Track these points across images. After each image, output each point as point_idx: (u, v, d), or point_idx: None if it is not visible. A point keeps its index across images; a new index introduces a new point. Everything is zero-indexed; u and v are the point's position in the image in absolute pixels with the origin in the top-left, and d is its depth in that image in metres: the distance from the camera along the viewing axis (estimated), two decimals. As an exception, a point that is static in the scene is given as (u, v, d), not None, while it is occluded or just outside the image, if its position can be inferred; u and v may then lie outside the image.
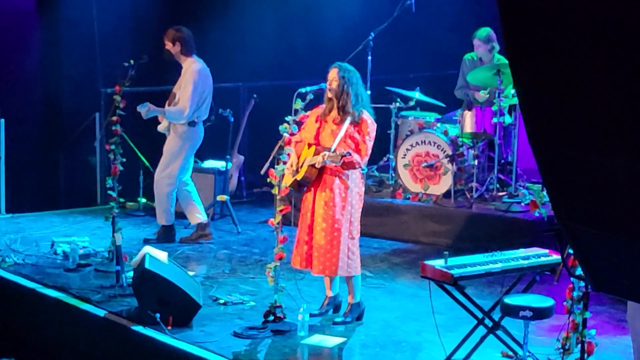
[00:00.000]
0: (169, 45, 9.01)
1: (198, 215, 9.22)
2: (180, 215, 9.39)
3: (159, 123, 9.08)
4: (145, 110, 8.80)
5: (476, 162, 9.55)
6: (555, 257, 6.19)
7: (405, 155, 9.76)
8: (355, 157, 6.77)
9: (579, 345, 5.43)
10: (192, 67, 8.95)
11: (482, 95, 9.77)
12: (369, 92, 9.36)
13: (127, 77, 8.32)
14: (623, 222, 2.88)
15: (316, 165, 6.80)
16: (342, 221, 6.84)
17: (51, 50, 11.24)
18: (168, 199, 9.10)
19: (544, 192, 8.64)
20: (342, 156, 6.60)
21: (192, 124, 8.94)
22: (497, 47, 9.89)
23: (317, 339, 6.67)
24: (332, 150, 6.73)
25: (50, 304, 7.45)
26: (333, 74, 6.91)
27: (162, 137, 9.20)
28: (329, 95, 6.93)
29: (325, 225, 6.84)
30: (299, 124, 7.01)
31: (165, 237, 9.16)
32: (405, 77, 11.52)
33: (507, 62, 8.81)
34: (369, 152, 6.90)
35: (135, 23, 11.10)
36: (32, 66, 11.14)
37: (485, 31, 9.86)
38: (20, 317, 7.80)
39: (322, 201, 6.86)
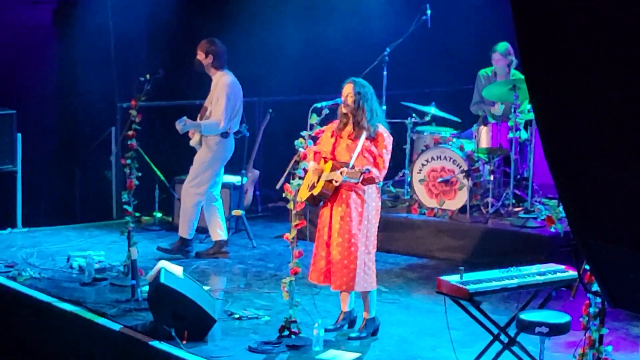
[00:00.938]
0: (201, 57, 9.00)
1: (219, 231, 9.21)
2: (198, 230, 9.38)
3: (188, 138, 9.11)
4: (182, 124, 8.84)
5: (492, 178, 9.52)
6: (572, 273, 6.16)
7: (420, 170, 9.74)
8: (375, 172, 6.76)
9: (596, 362, 5.40)
10: (223, 80, 8.97)
11: (497, 108, 9.75)
12: (384, 107, 9.38)
13: (143, 92, 8.32)
14: (640, 237, 2.87)
15: (334, 182, 6.78)
16: (359, 236, 6.83)
17: (67, 65, 11.28)
18: (193, 210, 9.09)
19: (560, 208, 8.65)
20: (362, 173, 6.59)
21: (224, 135, 8.97)
22: (515, 62, 9.89)
23: (332, 354, 6.65)
24: (351, 166, 6.72)
25: (66, 318, 7.46)
26: (348, 89, 6.91)
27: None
28: (344, 110, 6.92)
29: (342, 240, 6.82)
30: (315, 138, 7.00)
31: (180, 250, 9.13)
32: (421, 92, 11.51)
33: (522, 77, 8.79)
34: (387, 164, 6.89)
35: (151, 37, 11.13)
36: (48, 80, 11.18)
37: (504, 45, 9.86)
38: (36, 330, 7.81)
39: (338, 216, 6.85)
